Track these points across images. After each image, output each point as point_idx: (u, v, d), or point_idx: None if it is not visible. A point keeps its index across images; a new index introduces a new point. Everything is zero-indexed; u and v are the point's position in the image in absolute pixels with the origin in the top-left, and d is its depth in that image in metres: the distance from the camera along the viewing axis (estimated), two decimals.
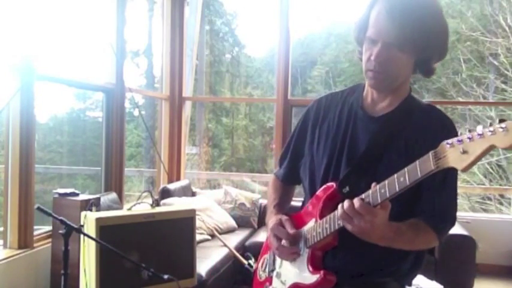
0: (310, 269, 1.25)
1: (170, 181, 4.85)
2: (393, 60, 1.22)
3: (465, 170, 0.93)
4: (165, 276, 2.13)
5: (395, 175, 1.05)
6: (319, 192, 1.30)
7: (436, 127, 1.24)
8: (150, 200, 2.91)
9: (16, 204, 2.90)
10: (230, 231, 4.12)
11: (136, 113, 7.78)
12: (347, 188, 1.23)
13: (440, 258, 3.68)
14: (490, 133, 0.88)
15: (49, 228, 3.14)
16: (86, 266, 2.45)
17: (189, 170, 7.44)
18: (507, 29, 9.10)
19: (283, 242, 1.35)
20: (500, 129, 0.87)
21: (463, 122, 9.52)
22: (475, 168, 9.30)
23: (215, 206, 4.28)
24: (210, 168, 10.86)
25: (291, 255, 1.33)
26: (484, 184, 9.14)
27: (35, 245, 3.02)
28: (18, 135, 2.91)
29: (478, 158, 0.91)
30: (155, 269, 2.15)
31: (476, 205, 8.97)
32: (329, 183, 1.28)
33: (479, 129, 0.91)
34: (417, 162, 1.01)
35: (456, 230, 3.85)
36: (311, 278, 1.24)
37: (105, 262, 2.40)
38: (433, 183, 1.18)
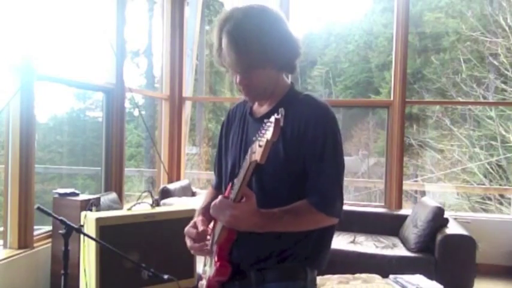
0: (216, 261, 1.36)
1: (170, 181, 4.85)
2: (252, 80, 1.33)
3: (260, 161, 1.01)
4: (165, 276, 2.13)
5: (241, 170, 1.15)
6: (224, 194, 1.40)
7: (311, 117, 1.30)
8: (150, 200, 2.91)
9: (16, 204, 2.90)
10: None
11: (136, 113, 7.77)
12: None
13: (440, 258, 3.68)
14: (267, 128, 1.00)
15: (49, 228, 3.14)
16: (86, 266, 2.45)
17: (189, 170, 7.43)
18: (507, 29, 9.09)
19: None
20: (269, 124, 0.99)
21: (463, 122, 9.51)
22: (475, 168, 9.30)
23: None
24: (210, 168, 10.85)
25: (200, 251, 1.43)
26: (484, 184, 9.12)
27: (35, 245, 3.02)
28: (18, 135, 2.91)
29: (265, 151, 1.00)
30: (155, 269, 2.15)
31: (476, 205, 8.96)
32: (228, 187, 1.36)
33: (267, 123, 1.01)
34: (247, 157, 1.11)
35: (456, 230, 3.85)
36: (213, 269, 1.36)
37: (105, 262, 2.40)
38: (312, 164, 1.27)
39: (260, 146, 1.01)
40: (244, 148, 1.41)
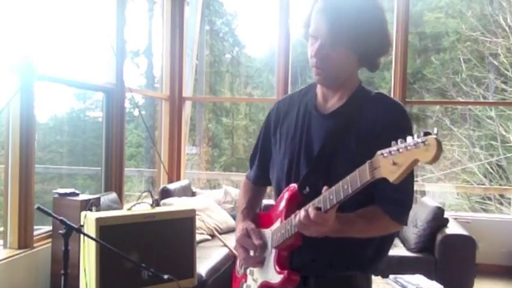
0: (277, 268, 1.30)
1: (170, 181, 4.85)
2: (332, 56, 1.26)
3: (396, 181, 0.94)
4: (165, 276, 2.13)
5: (341, 182, 1.07)
6: (283, 193, 1.33)
7: (387, 119, 1.24)
8: (150, 200, 2.91)
9: (16, 204, 2.90)
10: (230, 231, 4.11)
11: (136, 113, 7.77)
12: (307, 189, 1.25)
13: (440, 258, 3.68)
14: (414, 147, 0.89)
15: (49, 228, 3.14)
16: (86, 266, 2.45)
17: (189, 170, 7.44)
18: (507, 29, 9.09)
19: (251, 252, 1.39)
20: (422, 144, 0.87)
21: (463, 122, 9.52)
22: (475, 168, 9.30)
23: (215, 206, 4.28)
24: (210, 168, 10.86)
25: (256, 264, 1.38)
26: (484, 184, 9.12)
27: (35, 245, 3.02)
28: (18, 135, 2.91)
29: (407, 170, 0.92)
30: (155, 269, 2.15)
31: (476, 205, 8.96)
32: (291, 185, 1.30)
33: (408, 140, 0.91)
34: (357, 171, 1.03)
35: (456, 230, 3.85)
36: (277, 277, 1.29)
37: (105, 262, 2.40)
38: None
39: (395, 163, 0.92)
40: (306, 144, 1.33)
